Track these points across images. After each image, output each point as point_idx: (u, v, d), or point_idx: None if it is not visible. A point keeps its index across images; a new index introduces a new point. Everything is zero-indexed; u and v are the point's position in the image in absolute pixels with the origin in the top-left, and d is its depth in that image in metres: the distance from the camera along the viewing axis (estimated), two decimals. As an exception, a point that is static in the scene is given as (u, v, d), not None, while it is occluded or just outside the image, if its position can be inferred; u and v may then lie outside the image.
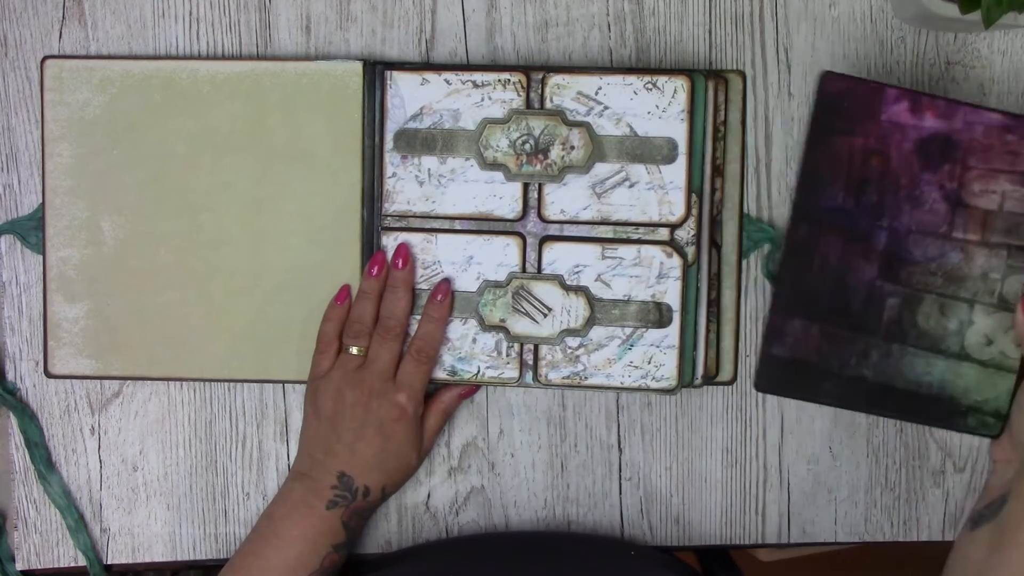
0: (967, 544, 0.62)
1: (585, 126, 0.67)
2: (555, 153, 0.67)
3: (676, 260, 0.67)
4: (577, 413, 0.72)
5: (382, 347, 0.66)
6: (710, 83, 0.67)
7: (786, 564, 1.11)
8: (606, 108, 0.67)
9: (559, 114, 0.67)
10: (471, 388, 0.70)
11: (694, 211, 0.67)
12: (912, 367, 0.67)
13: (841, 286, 0.67)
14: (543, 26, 0.71)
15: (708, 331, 0.69)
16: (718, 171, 0.69)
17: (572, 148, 0.67)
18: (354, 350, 0.66)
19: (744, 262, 0.71)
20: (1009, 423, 0.65)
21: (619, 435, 0.72)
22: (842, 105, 0.66)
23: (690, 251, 0.67)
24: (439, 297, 0.67)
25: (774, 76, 0.71)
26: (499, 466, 0.73)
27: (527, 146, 0.67)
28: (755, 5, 0.71)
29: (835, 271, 0.67)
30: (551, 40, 0.71)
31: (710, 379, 0.70)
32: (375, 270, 0.67)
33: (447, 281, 0.68)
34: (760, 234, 0.70)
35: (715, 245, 0.69)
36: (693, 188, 0.67)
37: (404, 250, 0.67)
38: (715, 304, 0.69)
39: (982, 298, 0.66)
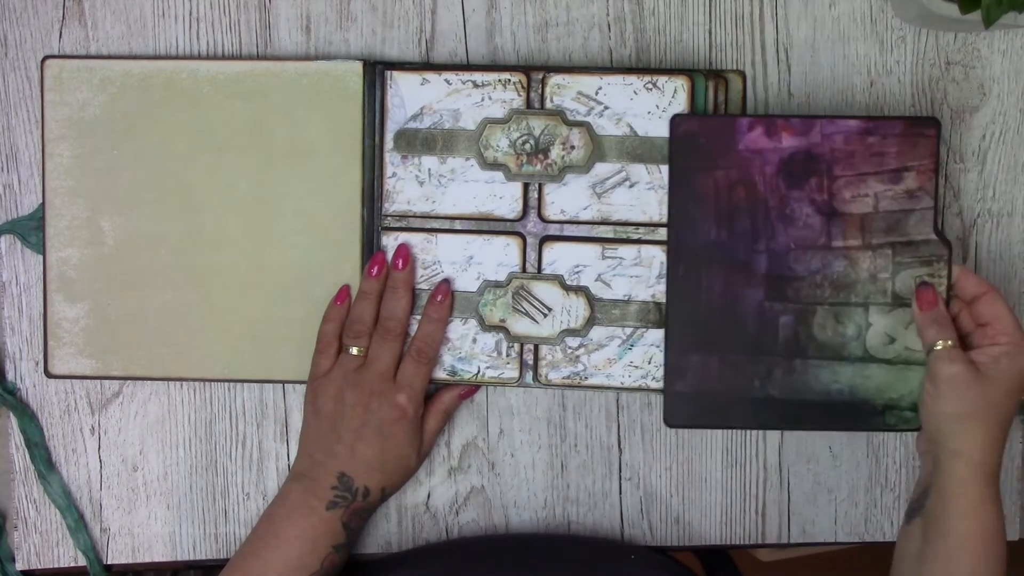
0: (903, 538, 0.64)
1: (585, 126, 0.67)
2: (555, 153, 0.67)
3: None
4: (577, 413, 0.72)
5: (382, 347, 0.66)
6: (710, 83, 0.67)
7: (786, 564, 1.11)
8: (606, 108, 0.67)
9: (559, 114, 0.67)
10: (471, 388, 0.70)
11: None
12: (818, 378, 0.67)
13: (731, 315, 0.67)
14: (543, 26, 0.71)
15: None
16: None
17: (572, 148, 0.67)
18: (354, 350, 0.66)
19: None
20: (921, 419, 0.65)
21: (619, 435, 0.72)
22: (698, 143, 0.66)
23: None
24: (439, 298, 0.67)
25: (774, 76, 0.71)
26: (499, 466, 0.73)
27: (527, 146, 0.67)
28: (755, 5, 0.71)
29: (723, 302, 0.67)
30: (551, 40, 0.71)
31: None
32: (375, 270, 0.67)
33: (447, 282, 0.68)
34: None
35: (715, 245, 0.69)
36: None
37: (404, 250, 0.67)
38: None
39: (875, 299, 0.66)
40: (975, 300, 0.64)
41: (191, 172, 0.69)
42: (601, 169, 0.67)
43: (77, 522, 0.72)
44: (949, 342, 0.63)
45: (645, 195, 0.67)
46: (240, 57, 0.71)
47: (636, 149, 0.67)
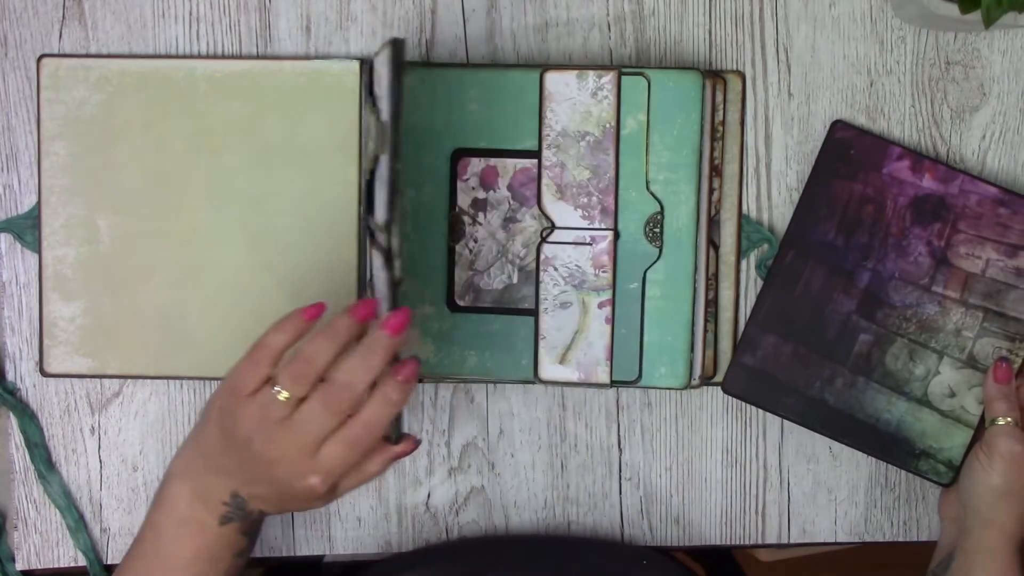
0: None
1: None
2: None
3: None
4: (577, 413, 0.72)
5: (319, 415, 0.54)
6: (708, 83, 0.67)
7: (786, 564, 1.11)
8: None
9: None
10: (404, 451, 0.58)
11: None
12: (873, 402, 0.69)
13: (819, 313, 0.69)
14: (543, 26, 0.71)
15: (706, 331, 0.69)
16: (717, 171, 0.69)
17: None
18: (284, 395, 0.54)
19: (742, 262, 0.71)
20: (960, 482, 0.67)
21: (619, 435, 0.72)
22: (847, 152, 0.69)
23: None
24: (401, 377, 0.55)
25: (774, 76, 0.71)
26: (499, 466, 0.73)
27: None
28: (755, 5, 0.71)
29: (816, 299, 0.69)
30: (551, 40, 0.71)
31: (708, 379, 0.70)
32: (360, 314, 0.55)
33: (416, 361, 0.56)
34: (758, 235, 0.70)
35: (713, 245, 0.69)
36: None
37: (405, 316, 0.55)
38: (713, 304, 0.69)
39: (952, 352, 0.69)
40: None
41: (188, 171, 0.69)
42: None
43: (77, 522, 0.72)
44: (1011, 420, 0.65)
45: None
46: (239, 56, 0.71)
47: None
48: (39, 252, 0.70)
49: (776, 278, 0.70)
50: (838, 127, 0.69)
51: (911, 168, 0.69)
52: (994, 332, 0.68)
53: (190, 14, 0.71)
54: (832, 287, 0.69)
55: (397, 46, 0.56)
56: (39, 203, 0.69)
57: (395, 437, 0.58)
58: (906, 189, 0.69)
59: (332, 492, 0.57)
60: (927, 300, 0.69)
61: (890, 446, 0.69)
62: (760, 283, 0.71)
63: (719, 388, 0.71)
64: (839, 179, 0.69)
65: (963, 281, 0.69)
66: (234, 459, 0.56)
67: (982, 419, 0.68)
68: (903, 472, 0.72)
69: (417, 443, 0.58)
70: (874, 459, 0.72)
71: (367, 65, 0.68)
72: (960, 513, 0.66)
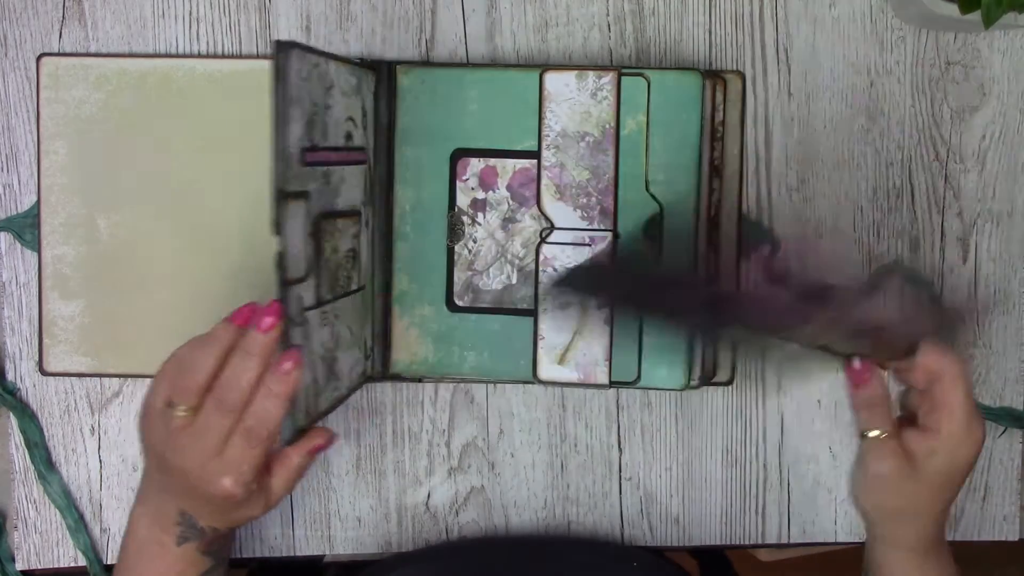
0: None
1: None
2: None
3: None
4: (577, 413, 0.72)
5: (213, 419, 0.54)
6: (708, 83, 0.67)
7: (786, 564, 1.11)
8: None
9: None
10: (325, 442, 0.58)
11: None
12: None
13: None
14: (543, 26, 0.71)
15: (708, 331, 0.69)
16: (717, 171, 0.69)
17: None
18: (181, 411, 0.55)
19: (742, 263, 0.71)
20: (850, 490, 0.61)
21: (619, 435, 0.72)
22: None
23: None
24: (286, 366, 0.54)
25: (774, 76, 0.71)
26: (499, 466, 0.73)
27: None
28: (755, 5, 0.71)
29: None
30: (551, 40, 0.71)
31: (708, 379, 0.70)
32: (238, 319, 0.56)
33: (299, 349, 0.55)
34: (758, 235, 0.70)
35: (713, 245, 0.69)
36: None
37: (277, 310, 0.55)
38: (715, 304, 0.69)
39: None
40: (935, 378, 0.56)
41: (187, 170, 0.69)
42: None
43: (77, 522, 0.72)
44: (883, 432, 0.57)
45: None
46: (239, 56, 0.71)
47: None
48: (39, 251, 0.70)
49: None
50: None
51: None
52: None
53: (190, 14, 0.71)
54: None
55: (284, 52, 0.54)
56: (38, 202, 0.69)
57: (301, 429, 0.57)
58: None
59: (263, 495, 0.57)
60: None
61: None
62: (760, 283, 0.71)
63: (719, 388, 0.71)
64: None
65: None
66: (166, 476, 0.56)
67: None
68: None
69: (329, 437, 0.58)
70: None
71: (385, 64, 0.68)
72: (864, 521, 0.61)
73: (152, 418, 0.56)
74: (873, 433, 0.57)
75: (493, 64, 0.71)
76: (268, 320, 0.55)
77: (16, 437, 0.72)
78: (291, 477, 0.58)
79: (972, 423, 0.56)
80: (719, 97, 0.68)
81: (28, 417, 0.72)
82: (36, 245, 0.70)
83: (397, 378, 0.70)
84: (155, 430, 0.55)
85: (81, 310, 0.70)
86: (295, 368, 0.54)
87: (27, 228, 0.71)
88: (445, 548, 0.72)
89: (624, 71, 0.66)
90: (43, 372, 0.70)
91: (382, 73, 0.68)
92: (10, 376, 0.72)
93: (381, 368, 0.69)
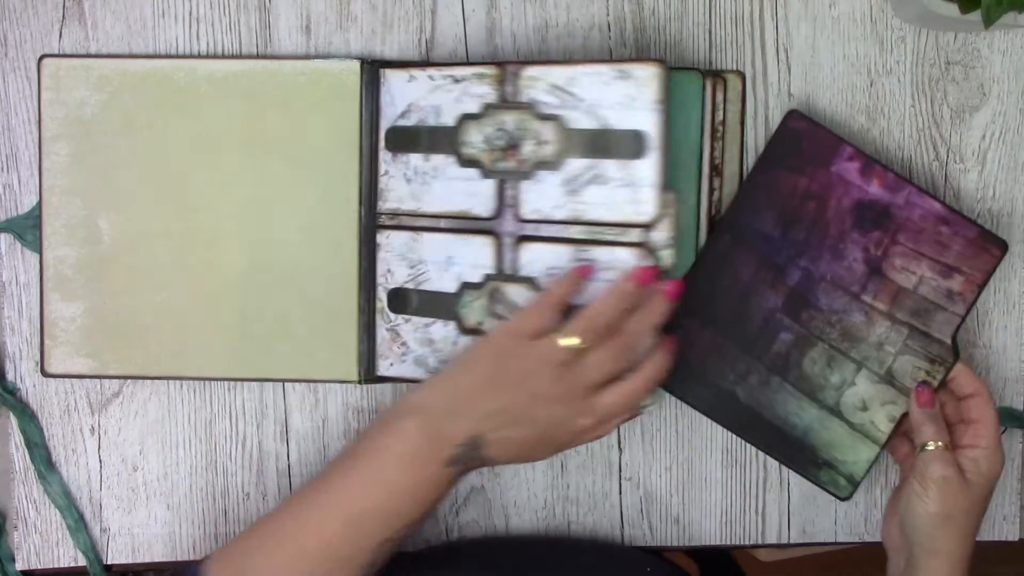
0: None
1: (556, 120, 0.64)
2: (527, 149, 0.64)
3: (649, 263, 0.63)
4: (577, 413, 0.72)
5: (608, 360, 0.60)
6: (708, 83, 0.67)
7: (786, 564, 1.11)
8: (579, 100, 0.63)
9: (530, 108, 0.64)
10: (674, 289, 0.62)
11: (669, 211, 0.63)
12: (784, 403, 0.68)
13: (744, 305, 0.68)
14: (543, 26, 0.71)
15: (708, 331, 0.69)
16: (717, 171, 0.69)
17: (543, 143, 0.64)
18: (575, 341, 0.59)
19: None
20: (900, 515, 0.65)
21: (619, 435, 0.72)
22: (799, 144, 0.67)
23: (666, 254, 0.63)
24: (672, 350, 0.63)
25: (774, 76, 0.71)
26: (499, 466, 0.72)
27: (500, 142, 0.65)
28: (755, 5, 0.71)
29: (743, 289, 0.68)
30: (551, 40, 0.71)
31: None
32: (644, 279, 0.61)
33: (676, 337, 0.63)
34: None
35: (715, 245, 0.69)
36: (665, 185, 0.63)
37: (680, 284, 0.62)
38: (715, 304, 0.69)
39: (871, 365, 0.67)
40: (967, 398, 0.66)
41: (188, 171, 0.69)
42: (574, 165, 0.64)
43: (77, 522, 0.72)
44: (941, 444, 0.64)
45: (615, 193, 0.63)
46: (239, 56, 0.71)
47: (604, 143, 0.63)
48: (40, 252, 0.70)
49: (706, 261, 0.68)
50: (793, 117, 0.68)
51: (860, 171, 0.67)
52: (916, 351, 0.67)
53: (190, 14, 0.71)
54: (761, 280, 0.68)
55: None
56: (40, 203, 0.69)
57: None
58: (851, 191, 0.67)
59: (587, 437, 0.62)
60: (854, 308, 0.67)
61: (794, 451, 0.68)
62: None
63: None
64: (786, 170, 0.67)
65: (894, 294, 0.67)
66: (493, 399, 0.59)
67: (888, 439, 0.68)
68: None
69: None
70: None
71: (367, 65, 0.68)
72: (904, 544, 0.65)
73: (524, 341, 0.60)
74: (932, 445, 0.64)
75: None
76: (676, 287, 0.61)
77: (16, 437, 0.72)
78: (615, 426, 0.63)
79: (1000, 436, 0.65)
80: (719, 97, 0.68)
81: (28, 417, 0.72)
82: (37, 246, 0.70)
83: (398, 379, 0.70)
84: (531, 353, 0.59)
85: (82, 311, 0.70)
86: (676, 350, 0.63)
87: (29, 229, 0.71)
88: (447, 548, 0.72)
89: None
90: (44, 374, 0.70)
91: (372, 73, 0.68)
92: (10, 376, 0.72)
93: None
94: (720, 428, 0.71)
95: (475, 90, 0.65)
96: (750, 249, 0.67)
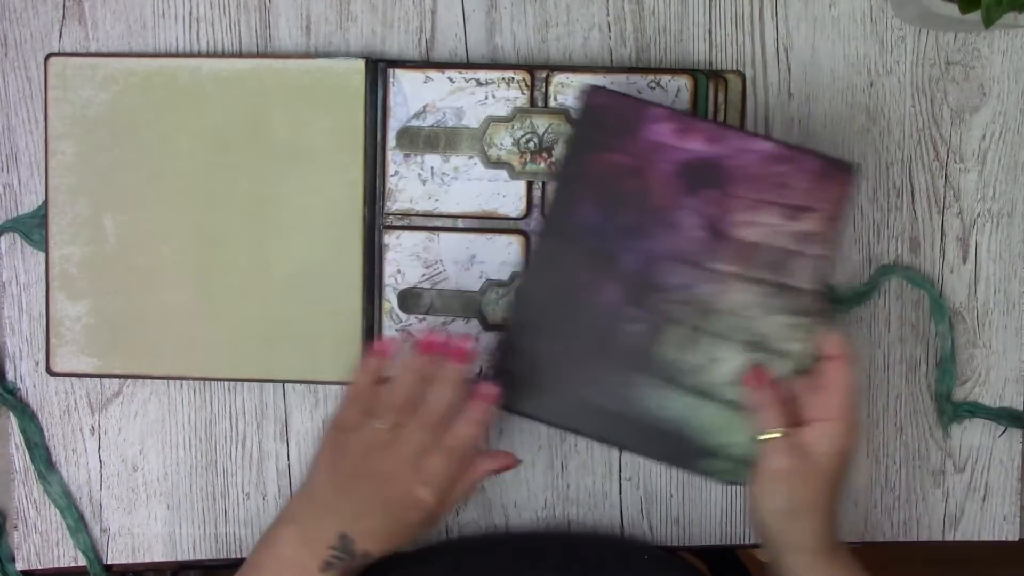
0: None
1: None
2: (559, 151, 0.67)
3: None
4: (577, 413, 0.72)
5: (417, 434, 0.61)
6: (710, 83, 0.67)
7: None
8: None
9: (563, 112, 0.67)
10: (502, 464, 0.64)
11: None
12: (647, 398, 0.62)
13: (584, 305, 0.62)
14: (543, 26, 0.71)
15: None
16: (718, 171, 0.69)
17: None
18: (382, 424, 0.61)
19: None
20: (748, 510, 0.62)
21: (619, 435, 0.72)
22: (604, 119, 0.61)
23: None
24: (482, 399, 0.62)
25: (774, 76, 0.71)
26: (499, 466, 0.72)
27: (531, 144, 0.67)
28: (755, 5, 0.71)
29: (580, 289, 0.62)
30: (551, 40, 0.71)
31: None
32: (429, 349, 0.62)
33: (497, 384, 0.62)
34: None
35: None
36: None
37: (468, 346, 0.62)
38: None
39: (736, 335, 0.61)
40: (827, 360, 0.60)
41: (193, 170, 0.69)
42: None
43: (77, 522, 0.72)
44: (778, 432, 0.59)
45: None
46: (242, 55, 0.71)
47: None
48: (46, 251, 0.70)
49: (534, 271, 0.62)
50: (592, 93, 0.61)
51: (676, 131, 0.60)
52: (782, 308, 0.60)
53: (190, 14, 0.71)
54: (597, 274, 0.61)
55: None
56: (46, 202, 0.69)
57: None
58: (672, 154, 0.60)
59: (440, 508, 0.61)
60: (703, 279, 0.61)
61: (672, 447, 0.62)
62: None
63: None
64: (596, 151, 0.61)
65: (743, 253, 0.61)
66: (344, 493, 0.61)
67: None
68: (903, 472, 0.72)
69: (514, 460, 0.64)
70: (873, 460, 0.72)
71: (372, 64, 0.68)
72: (762, 536, 0.62)
73: (346, 434, 0.62)
74: (767, 435, 0.59)
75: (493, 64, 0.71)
76: (464, 353, 0.62)
77: (16, 437, 0.72)
78: (469, 491, 0.63)
79: (856, 407, 0.59)
80: (719, 97, 0.68)
81: (28, 417, 0.72)
82: (43, 245, 0.70)
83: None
84: (354, 443, 0.61)
85: (87, 310, 0.69)
86: (492, 399, 0.61)
87: (35, 228, 0.71)
88: (447, 548, 0.72)
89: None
90: (50, 372, 0.70)
91: (377, 73, 0.68)
92: (10, 376, 0.72)
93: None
94: (553, 427, 0.70)
95: (502, 93, 0.67)
96: (577, 246, 0.61)
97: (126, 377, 0.71)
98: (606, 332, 0.62)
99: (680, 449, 0.62)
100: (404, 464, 0.60)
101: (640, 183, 0.61)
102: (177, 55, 0.71)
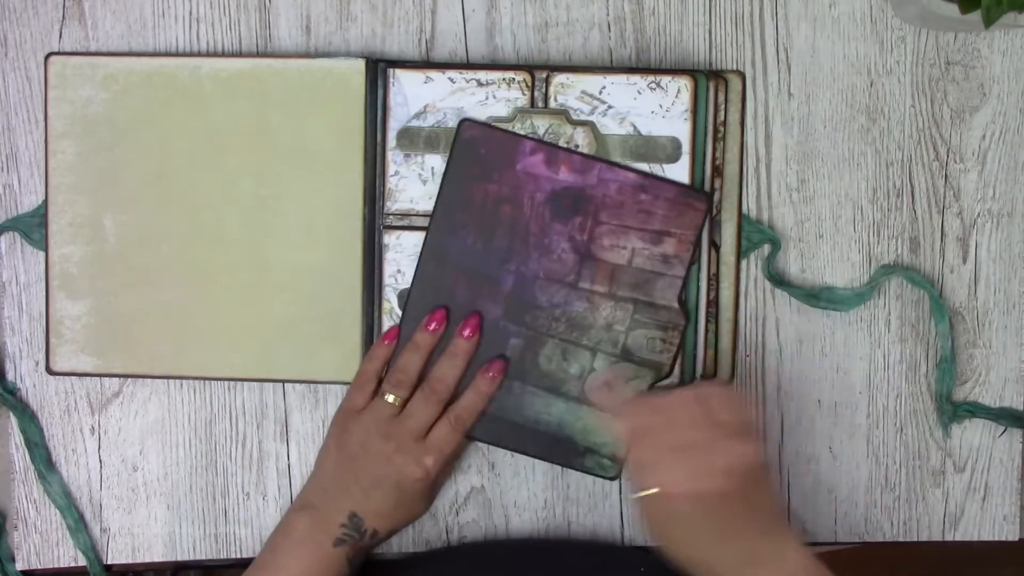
0: None
1: (589, 125, 0.67)
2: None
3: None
4: (577, 413, 0.72)
5: (423, 406, 0.65)
6: (710, 83, 0.67)
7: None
8: (610, 107, 0.67)
9: (563, 113, 0.67)
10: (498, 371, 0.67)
11: None
12: (532, 405, 0.68)
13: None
14: (543, 26, 0.71)
15: (707, 331, 0.69)
16: (717, 171, 0.69)
17: (576, 147, 0.67)
18: (391, 398, 0.66)
19: (743, 262, 0.71)
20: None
21: (619, 435, 0.72)
22: (478, 152, 0.67)
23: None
24: (491, 373, 0.67)
25: (774, 76, 0.71)
26: (499, 466, 0.72)
27: None
28: (755, 5, 0.71)
29: (462, 309, 0.67)
30: (551, 40, 0.71)
31: (708, 378, 0.70)
32: (433, 326, 0.67)
33: (504, 360, 0.67)
34: (759, 235, 0.70)
35: (714, 245, 0.69)
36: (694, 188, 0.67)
37: (476, 321, 0.67)
38: (713, 304, 0.69)
39: (605, 347, 0.67)
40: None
41: (193, 170, 0.69)
42: None
43: (77, 522, 0.72)
44: (656, 488, 0.56)
45: None
46: (242, 55, 0.71)
47: (640, 148, 0.67)
48: (46, 251, 0.70)
49: (417, 293, 0.67)
50: (465, 126, 0.67)
51: (545, 162, 0.66)
52: (645, 323, 0.67)
53: (190, 14, 0.71)
54: (477, 294, 0.67)
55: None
56: (46, 201, 0.69)
57: None
58: (542, 184, 0.66)
59: (441, 476, 0.68)
60: (574, 297, 0.67)
61: (554, 447, 0.68)
62: (767, 285, 0.71)
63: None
64: (472, 181, 0.67)
65: (610, 274, 0.67)
66: (352, 473, 0.65)
67: None
68: (903, 472, 0.72)
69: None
70: (873, 460, 0.72)
71: (372, 64, 0.68)
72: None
73: (353, 415, 0.66)
74: (646, 492, 0.57)
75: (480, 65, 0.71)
76: (470, 329, 0.66)
77: (16, 437, 0.72)
78: (449, 469, 0.70)
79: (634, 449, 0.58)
80: (719, 97, 0.68)
81: (28, 417, 0.72)
82: (43, 244, 0.70)
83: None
84: (361, 423, 0.65)
85: (87, 310, 0.69)
86: (500, 374, 0.67)
87: (35, 227, 0.71)
88: (447, 552, 0.72)
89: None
90: (50, 372, 0.70)
91: (377, 72, 0.68)
92: (10, 376, 0.72)
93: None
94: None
95: (503, 94, 0.67)
96: (458, 268, 0.67)
97: (126, 376, 0.71)
98: (489, 347, 0.67)
99: (562, 449, 0.68)
100: (410, 435, 0.65)
101: (514, 210, 0.67)
102: (177, 55, 0.71)
